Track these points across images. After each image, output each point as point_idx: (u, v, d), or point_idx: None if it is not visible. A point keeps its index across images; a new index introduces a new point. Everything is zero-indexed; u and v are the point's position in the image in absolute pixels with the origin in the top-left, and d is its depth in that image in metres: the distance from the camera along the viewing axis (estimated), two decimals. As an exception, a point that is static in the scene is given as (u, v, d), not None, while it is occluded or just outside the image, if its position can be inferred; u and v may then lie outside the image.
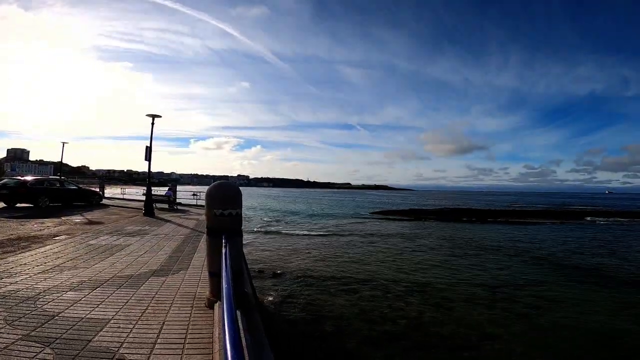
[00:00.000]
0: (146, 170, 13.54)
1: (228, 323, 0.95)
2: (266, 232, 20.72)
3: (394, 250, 15.95)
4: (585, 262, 14.15)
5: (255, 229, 21.48)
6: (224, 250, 2.10)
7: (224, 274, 1.47)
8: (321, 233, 21.88)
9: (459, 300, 8.89)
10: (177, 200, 16.11)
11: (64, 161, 32.18)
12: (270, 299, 8.96)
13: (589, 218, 32.36)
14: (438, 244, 18.43)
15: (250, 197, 69.23)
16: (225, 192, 2.96)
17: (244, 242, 4.22)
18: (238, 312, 3.03)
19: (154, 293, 3.62)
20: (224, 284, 1.30)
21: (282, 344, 6.43)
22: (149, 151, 12.81)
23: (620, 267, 13.35)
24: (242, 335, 2.70)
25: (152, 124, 12.78)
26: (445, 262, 13.88)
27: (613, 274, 12.23)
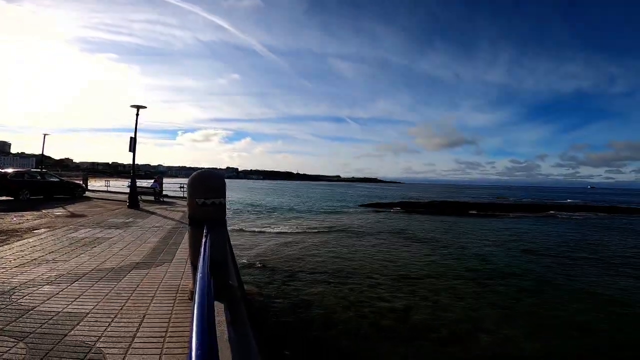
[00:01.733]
0: (132, 162, 13.23)
1: (197, 315, 0.89)
2: (245, 230, 19.01)
3: (380, 243, 16.09)
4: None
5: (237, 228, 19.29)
6: (203, 240, 2.02)
7: (200, 264, 1.40)
8: (306, 229, 21.87)
9: (445, 292, 9.03)
10: (164, 193, 15.81)
11: (46, 154, 31.31)
12: (258, 290, 8.93)
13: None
14: (424, 236, 18.68)
15: (238, 190, 68.76)
16: (208, 180, 2.86)
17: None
18: (222, 305, 2.98)
19: (135, 286, 3.52)
20: (198, 274, 1.23)
21: (270, 337, 6.43)
22: (133, 142, 12.50)
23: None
24: (225, 328, 2.65)
25: (137, 115, 12.50)
26: (429, 254, 14.08)
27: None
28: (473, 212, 32.79)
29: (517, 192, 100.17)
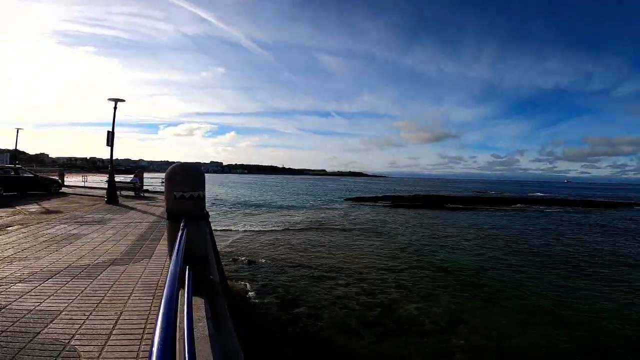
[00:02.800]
0: (109, 156, 12.82)
1: (164, 309, 0.87)
2: (228, 228, 18.18)
3: (366, 238, 16.26)
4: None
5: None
6: (179, 234, 1.98)
7: (173, 257, 1.36)
8: (292, 224, 21.85)
9: (428, 286, 9.20)
10: (145, 187, 15.42)
11: (21, 149, 30.04)
12: (243, 286, 8.89)
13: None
14: (408, 230, 18.99)
15: (221, 185, 67.86)
16: (186, 173, 2.80)
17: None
18: (202, 300, 2.94)
19: (112, 283, 3.43)
20: (170, 268, 1.20)
21: (255, 332, 6.41)
22: (111, 136, 12.12)
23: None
24: (205, 324, 2.62)
25: (115, 108, 12.15)
26: (413, 247, 14.34)
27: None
28: (457, 205, 33.59)
29: (498, 187, 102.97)
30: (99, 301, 2.97)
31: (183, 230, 2.17)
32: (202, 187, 2.91)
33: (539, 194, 56.48)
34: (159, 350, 0.78)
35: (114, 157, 12.90)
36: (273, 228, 18.05)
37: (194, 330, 2.34)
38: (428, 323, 6.88)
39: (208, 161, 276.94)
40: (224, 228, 17.17)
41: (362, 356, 5.75)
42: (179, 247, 1.61)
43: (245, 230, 17.00)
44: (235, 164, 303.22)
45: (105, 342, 2.31)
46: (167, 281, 1.06)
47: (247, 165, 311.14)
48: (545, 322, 7.02)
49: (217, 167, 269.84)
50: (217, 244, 8.85)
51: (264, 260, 11.25)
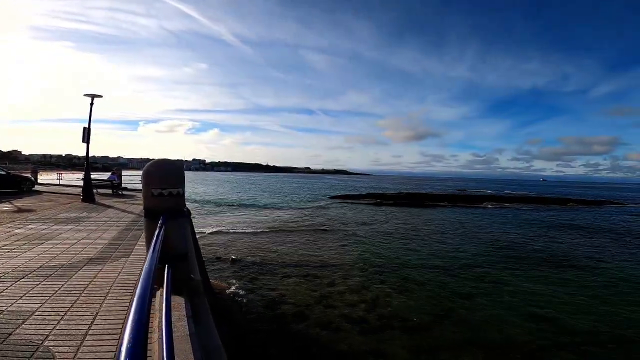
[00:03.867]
0: (86, 153, 12.40)
1: (136, 306, 0.87)
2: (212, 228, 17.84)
3: (350, 235, 16.39)
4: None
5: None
6: (156, 232, 1.95)
7: (148, 255, 1.35)
8: (277, 222, 21.80)
9: (412, 283, 9.37)
10: (123, 185, 14.98)
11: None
12: (227, 285, 8.81)
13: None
14: (393, 227, 19.27)
15: (203, 183, 66.77)
16: (165, 169, 2.74)
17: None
18: (182, 299, 2.91)
19: (87, 283, 3.33)
20: (144, 266, 1.18)
21: (239, 330, 6.38)
22: (87, 133, 11.72)
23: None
24: (185, 322, 2.59)
25: (91, 104, 11.76)
26: (397, 245, 14.58)
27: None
28: (439, 203, 34.29)
29: (477, 185, 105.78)
30: (73, 301, 2.89)
31: (161, 227, 2.14)
32: (182, 184, 2.86)
33: (506, 191, 58.44)
34: (128, 349, 0.76)
35: (91, 154, 12.48)
36: (257, 227, 17.94)
37: (174, 329, 2.33)
38: (411, 319, 7.02)
39: (190, 158, 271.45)
40: (206, 227, 16.93)
41: (347, 352, 5.82)
42: (155, 245, 1.58)
43: (228, 229, 16.82)
44: (219, 162, 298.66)
45: (81, 343, 2.26)
46: (141, 279, 1.05)
47: (230, 162, 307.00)
48: (521, 317, 7.29)
49: (200, 165, 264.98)
50: (199, 243, 8.73)
51: (248, 259, 11.18)
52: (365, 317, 7.09)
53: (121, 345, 0.79)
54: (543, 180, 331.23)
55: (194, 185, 54.60)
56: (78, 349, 2.19)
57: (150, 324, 2.67)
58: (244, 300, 7.91)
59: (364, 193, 40.28)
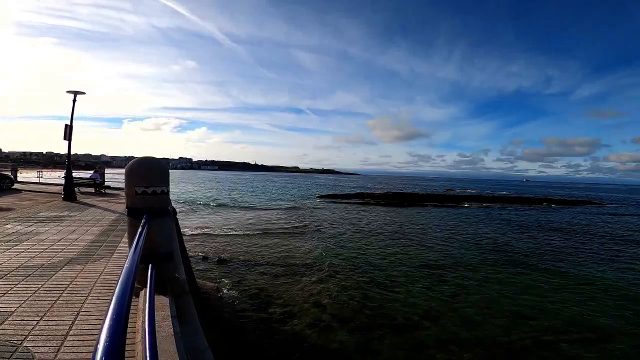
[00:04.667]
0: (67, 151, 12.07)
1: (114, 306, 0.87)
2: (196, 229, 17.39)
3: (338, 235, 16.47)
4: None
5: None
6: (139, 230, 1.94)
7: (130, 255, 1.34)
8: (265, 221, 21.72)
9: (400, 281, 9.50)
10: (106, 184, 14.64)
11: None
12: (214, 284, 8.73)
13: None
14: (380, 227, 19.45)
15: (189, 182, 65.89)
16: (149, 167, 2.70)
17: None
18: (166, 299, 2.89)
19: (68, 282, 3.26)
20: (125, 265, 1.18)
21: (226, 330, 6.34)
22: (69, 130, 11.41)
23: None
24: (170, 322, 2.57)
25: (74, 101, 11.48)
26: (385, 244, 14.73)
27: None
28: (427, 203, 34.81)
29: (463, 185, 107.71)
30: (53, 301, 2.83)
31: (144, 226, 2.12)
32: (166, 182, 2.83)
33: (488, 191, 59.80)
34: (105, 347, 0.74)
35: (73, 152, 12.18)
36: (245, 226, 17.83)
37: (158, 329, 2.30)
38: (400, 317, 7.11)
39: (176, 157, 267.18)
40: (190, 227, 16.74)
41: (336, 351, 5.86)
42: (137, 244, 1.57)
43: (216, 230, 16.66)
44: (206, 160, 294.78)
45: (62, 343, 2.22)
46: (121, 278, 1.05)
47: (218, 161, 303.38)
48: (506, 315, 7.47)
49: (186, 164, 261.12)
50: (186, 243, 8.63)
51: (235, 259, 11.11)
52: (353, 316, 7.15)
53: (98, 344, 0.78)
54: (526, 180, 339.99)
55: (179, 184, 53.84)
56: (58, 350, 2.15)
57: (133, 324, 2.66)
58: (231, 300, 7.87)
59: (352, 192, 40.48)
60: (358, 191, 43.12)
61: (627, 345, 6.23)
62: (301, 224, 19.07)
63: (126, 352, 2.16)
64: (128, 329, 2.52)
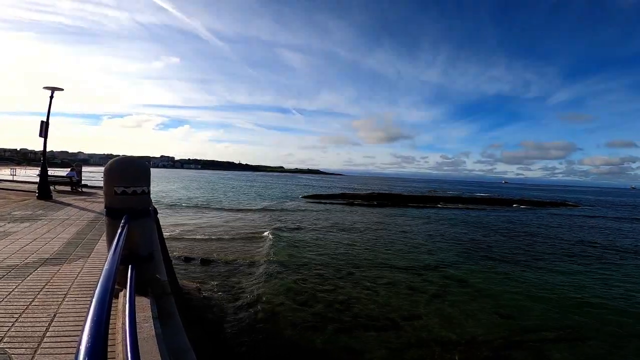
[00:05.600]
0: (43, 148, 11.64)
1: (95, 308, 0.89)
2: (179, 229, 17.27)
3: (323, 236, 16.55)
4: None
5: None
6: (119, 231, 1.93)
7: (109, 255, 1.35)
8: (248, 224, 21.58)
9: (385, 281, 9.64)
10: (83, 182, 14.20)
11: None
12: (197, 285, 8.63)
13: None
14: (365, 227, 19.65)
15: (171, 181, 64.57)
16: (129, 166, 2.68)
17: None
18: (147, 300, 2.87)
19: (43, 284, 3.18)
20: (105, 267, 1.19)
21: (207, 330, 6.29)
22: (45, 127, 11.00)
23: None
24: (151, 324, 2.56)
25: (51, 97, 11.08)
26: (370, 245, 14.91)
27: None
28: (410, 203, 35.42)
29: (445, 186, 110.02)
30: (29, 303, 2.76)
31: (124, 227, 2.11)
32: (147, 182, 2.81)
33: (467, 193, 61.43)
34: (87, 349, 0.76)
35: (49, 150, 11.75)
36: (229, 226, 17.66)
37: (139, 330, 2.30)
38: (383, 319, 7.22)
39: (158, 155, 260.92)
40: (171, 227, 16.47)
41: (320, 352, 5.91)
42: (117, 244, 1.58)
43: (198, 230, 16.44)
44: (189, 159, 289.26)
45: (38, 345, 2.19)
46: (101, 279, 1.06)
47: (201, 160, 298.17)
48: (488, 313, 7.72)
49: (168, 162, 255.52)
50: (168, 244, 8.49)
51: (219, 260, 11.00)
52: (338, 316, 7.23)
53: (80, 345, 0.78)
54: (505, 182, 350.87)
55: (159, 183, 52.64)
56: (35, 351, 2.12)
57: (113, 325, 2.64)
58: (214, 301, 7.81)
59: (336, 193, 40.69)
60: (343, 192, 43.39)
61: (600, 343, 6.54)
62: (284, 225, 19.05)
63: (107, 354, 2.15)
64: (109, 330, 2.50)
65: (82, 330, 0.83)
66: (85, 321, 0.88)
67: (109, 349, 2.23)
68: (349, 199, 35.98)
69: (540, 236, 18.53)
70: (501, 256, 13.18)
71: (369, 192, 42.85)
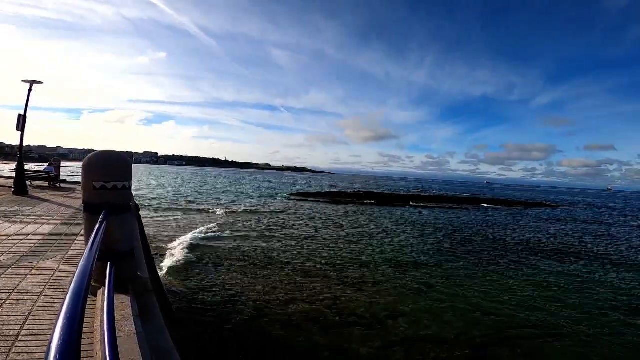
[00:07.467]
0: (19, 142, 11.21)
1: (68, 305, 0.86)
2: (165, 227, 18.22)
3: (310, 234, 16.57)
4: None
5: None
6: (96, 227, 1.88)
7: (86, 252, 1.31)
8: (234, 221, 21.40)
9: (369, 280, 9.73)
10: (62, 178, 13.74)
11: None
12: (181, 282, 8.51)
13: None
14: (351, 226, 19.77)
15: (153, 177, 63.28)
16: (109, 161, 2.60)
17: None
18: (128, 297, 2.81)
19: (18, 281, 3.08)
20: (81, 263, 1.15)
21: (191, 328, 6.22)
22: (22, 120, 10.60)
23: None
24: (132, 322, 2.51)
25: (29, 90, 10.70)
26: (355, 243, 15.00)
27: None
28: (396, 202, 35.83)
29: (430, 185, 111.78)
30: (3, 301, 2.67)
31: (102, 223, 2.06)
32: (128, 177, 2.74)
33: (449, 193, 62.71)
34: (58, 346, 0.72)
35: (27, 144, 11.32)
36: (215, 224, 17.45)
37: (119, 328, 2.25)
38: (369, 316, 7.29)
39: (141, 151, 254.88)
40: (157, 224, 16.17)
41: (306, 349, 5.92)
42: (94, 241, 1.53)
43: (182, 227, 16.19)
44: (173, 155, 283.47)
45: (13, 344, 2.13)
46: (76, 275, 1.02)
47: (186, 156, 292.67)
48: (469, 310, 7.90)
49: (151, 158, 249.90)
50: (150, 241, 8.33)
51: (204, 257, 10.87)
52: (324, 314, 7.27)
53: (51, 343, 0.75)
54: (487, 182, 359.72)
55: (142, 180, 51.48)
56: (10, 350, 2.06)
57: (91, 323, 2.58)
58: (198, 298, 7.73)
59: (323, 191, 40.75)
60: (329, 190, 43.49)
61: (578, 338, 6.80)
62: (270, 223, 18.97)
63: (84, 352, 2.10)
64: (85, 328, 2.46)
65: (54, 328, 0.80)
66: (57, 318, 0.84)
67: (87, 348, 2.18)
68: (335, 197, 36.11)
69: (523, 234, 19.10)
70: (479, 256, 13.51)
71: (356, 190, 43.11)
